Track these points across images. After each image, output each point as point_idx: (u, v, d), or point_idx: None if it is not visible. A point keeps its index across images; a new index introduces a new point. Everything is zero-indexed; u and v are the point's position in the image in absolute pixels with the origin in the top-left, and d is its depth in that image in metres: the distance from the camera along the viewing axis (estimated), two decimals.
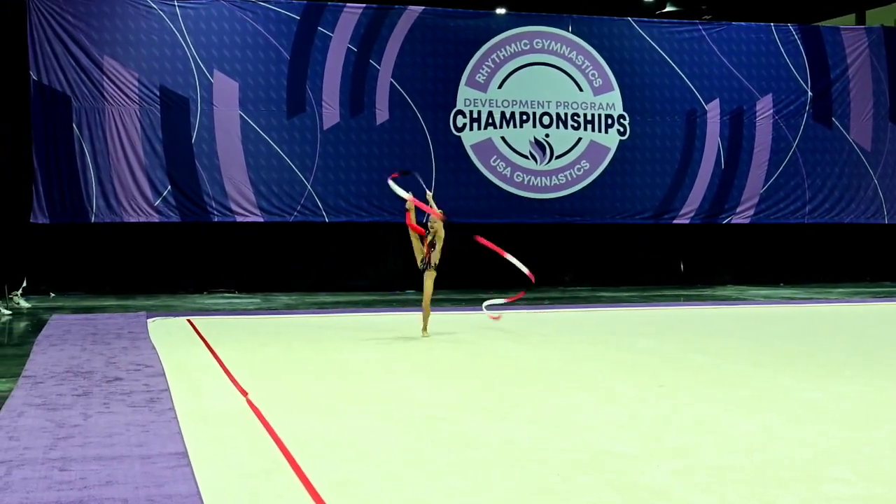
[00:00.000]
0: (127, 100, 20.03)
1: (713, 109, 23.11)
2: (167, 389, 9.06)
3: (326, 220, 21.13)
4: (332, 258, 21.49)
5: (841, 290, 22.26)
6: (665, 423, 7.88)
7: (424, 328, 13.81)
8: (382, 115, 21.43)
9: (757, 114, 23.29)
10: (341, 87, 21.15)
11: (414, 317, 16.57)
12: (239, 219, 20.62)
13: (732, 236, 23.60)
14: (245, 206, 20.61)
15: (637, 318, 16.41)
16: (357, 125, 21.30)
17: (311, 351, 12.25)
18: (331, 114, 21.10)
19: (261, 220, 20.74)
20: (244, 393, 8.98)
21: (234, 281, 20.87)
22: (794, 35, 23.53)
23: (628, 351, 12.45)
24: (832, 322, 16.15)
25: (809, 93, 23.58)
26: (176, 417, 7.80)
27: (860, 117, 23.84)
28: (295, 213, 20.91)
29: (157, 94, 20.19)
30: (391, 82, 21.44)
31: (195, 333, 13.79)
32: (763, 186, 23.37)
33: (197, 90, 20.41)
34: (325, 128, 21.07)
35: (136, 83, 20.08)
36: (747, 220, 23.35)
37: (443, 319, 16.13)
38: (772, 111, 23.36)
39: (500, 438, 7.28)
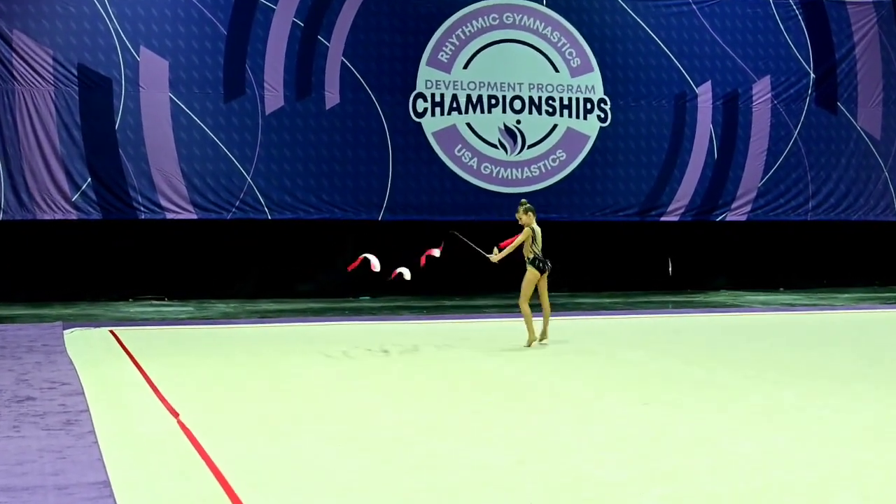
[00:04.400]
0: (40, 80, 19.86)
1: (705, 93, 23.21)
2: (87, 410, 8.97)
3: (269, 218, 21.05)
4: (275, 261, 21.40)
5: (848, 295, 22.39)
6: (653, 443, 7.87)
7: (544, 334, 13.98)
8: (332, 98, 21.37)
9: (753, 98, 23.41)
10: (286, 67, 21.07)
11: (369, 327, 16.54)
12: (169, 216, 20.50)
13: (727, 235, 23.71)
14: (176, 201, 20.49)
15: (621, 328, 16.44)
16: (304, 110, 21.23)
17: (253, 366, 12.17)
18: (274, 97, 21.02)
19: (194, 217, 20.63)
20: (175, 414, 8.91)
21: (163, 287, 20.74)
22: (794, 10, 23.68)
23: (612, 364, 12.44)
24: (838, 331, 16.23)
25: (812, 74, 23.73)
26: (97, 442, 7.72)
27: (868, 102, 24.01)
28: (233, 210, 20.81)
29: (75, 73, 20.04)
30: (342, 61, 21.38)
31: (119, 346, 13.67)
32: (761, 180, 23.50)
33: (121, 69, 20.27)
34: (267, 113, 20.99)
35: (51, 61, 19.92)
36: (743, 218, 23.47)
37: (404, 330, 16.09)
38: (770, 95, 23.50)
39: (471, 462, 7.25)
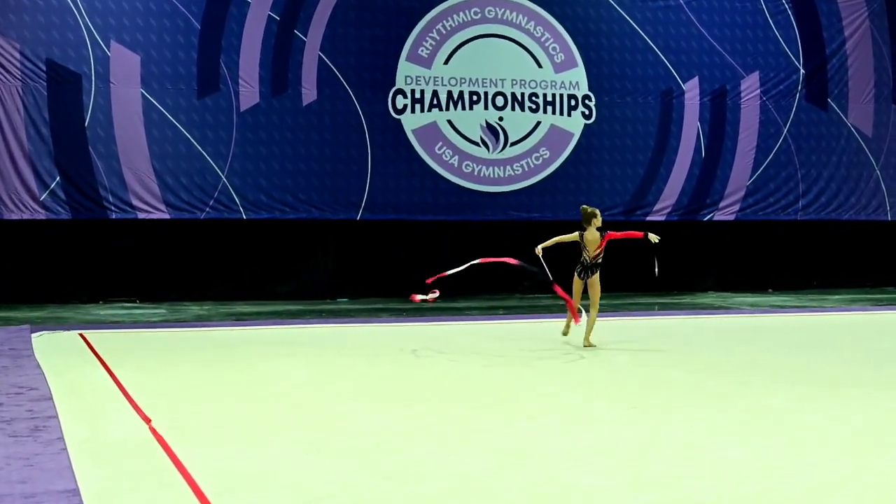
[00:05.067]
0: (7, 75, 19.77)
1: (692, 89, 23.25)
2: (55, 416, 8.93)
3: (244, 217, 21.00)
4: (251, 261, 21.35)
5: (839, 297, 22.46)
6: (641, 450, 7.87)
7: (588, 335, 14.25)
8: (309, 94, 21.33)
9: (742, 94, 23.46)
10: (261, 63, 21.02)
11: (348, 329, 16.52)
12: (141, 216, 20.43)
13: (715, 235, 23.75)
14: (148, 200, 20.43)
15: (607, 330, 16.42)
16: (280, 106, 21.18)
17: (227, 370, 12.14)
18: (249, 93, 20.97)
19: (167, 216, 20.56)
20: (147, 420, 8.87)
21: (135, 289, 20.67)
22: (784, 5, 23.73)
23: (598, 368, 12.45)
24: (829, 334, 16.27)
25: (802, 70, 23.79)
26: (66, 449, 7.68)
27: (860, 99, 24.09)
28: (207, 210, 20.75)
29: (43, 68, 19.95)
30: (320, 56, 21.34)
31: (89, 350, 13.61)
32: (750, 178, 23.54)
33: (91, 64, 20.18)
34: (242, 109, 20.93)
35: (18, 56, 19.83)
36: (732, 217, 23.51)
37: (383, 332, 16.07)
38: (759, 91, 23.54)
39: (453, 470, 7.23)
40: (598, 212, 14.27)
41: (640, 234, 14.32)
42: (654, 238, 14.21)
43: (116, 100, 20.27)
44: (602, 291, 14.47)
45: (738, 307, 20.34)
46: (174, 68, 20.61)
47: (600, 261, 14.23)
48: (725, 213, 23.46)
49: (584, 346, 14.07)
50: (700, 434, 8.49)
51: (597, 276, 14.26)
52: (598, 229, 14.16)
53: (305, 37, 21.23)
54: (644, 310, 19.80)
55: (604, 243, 14.14)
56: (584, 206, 14.59)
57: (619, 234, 14.38)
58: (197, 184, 20.69)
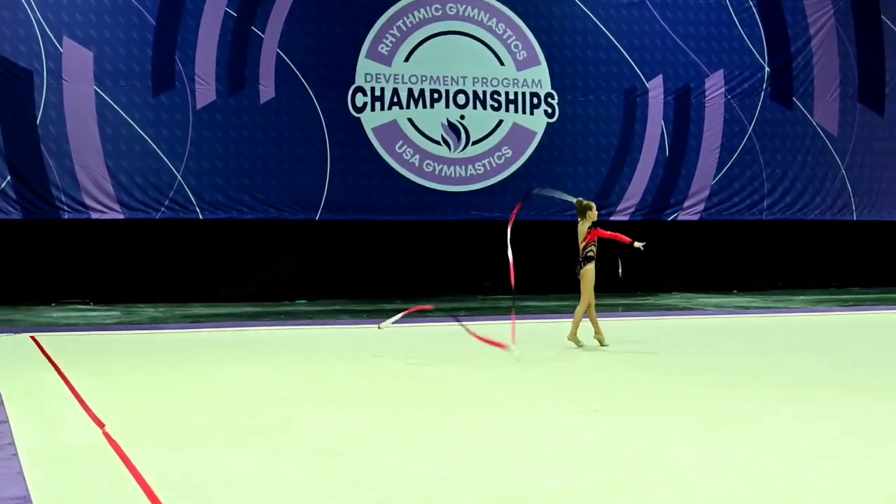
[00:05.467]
0: None
1: (656, 87, 23.33)
2: (6, 421, 8.86)
3: (200, 217, 20.91)
4: (207, 263, 21.27)
5: (804, 297, 22.59)
6: (607, 454, 7.86)
7: (598, 332, 14.41)
8: (267, 92, 21.27)
9: (706, 93, 23.56)
10: (218, 60, 20.95)
11: (307, 332, 16.48)
12: (95, 216, 20.32)
13: (679, 235, 23.84)
14: (102, 200, 20.32)
15: (568, 332, 16.44)
16: (237, 104, 21.12)
17: (184, 373, 12.08)
18: (205, 91, 20.88)
19: (121, 216, 20.46)
20: (101, 425, 8.81)
21: (88, 290, 20.54)
22: (748, 2, 23.87)
23: (562, 370, 12.45)
24: (795, 335, 16.35)
25: (767, 69, 23.92)
26: (17, 455, 7.61)
27: (825, 97, 24.24)
28: (162, 209, 20.65)
29: None
30: (278, 53, 21.28)
31: (41, 353, 13.51)
32: (714, 177, 23.65)
33: (42, 61, 20.06)
34: (198, 107, 20.85)
35: None
36: (696, 217, 23.60)
37: (343, 334, 16.03)
38: (723, 90, 23.65)
39: (415, 475, 7.20)
40: (592, 205, 14.38)
41: (627, 239, 14.37)
42: (639, 245, 14.30)
43: (69, 97, 20.14)
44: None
45: (702, 308, 20.41)
46: (128, 65, 20.50)
47: (591, 254, 14.23)
48: (690, 212, 23.55)
49: (567, 339, 14.27)
50: (666, 437, 8.48)
51: (587, 268, 14.29)
52: (593, 223, 14.22)
53: (263, 33, 21.16)
54: (608, 311, 19.81)
55: (589, 238, 14.16)
56: (580, 199, 14.62)
57: (607, 233, 14.47)
58: (152, 183, 20.59)
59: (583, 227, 14.27)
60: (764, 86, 23.87)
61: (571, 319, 14.58)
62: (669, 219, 23.47)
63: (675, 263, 23.98)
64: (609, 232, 14.51)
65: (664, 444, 8.21)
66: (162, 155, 20.65)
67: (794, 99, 24.04)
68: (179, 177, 20.73)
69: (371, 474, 7.25)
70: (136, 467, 7.31)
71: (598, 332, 14.40)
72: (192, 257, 21.19)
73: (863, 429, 8.83)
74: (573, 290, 22.57)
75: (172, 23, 20.69)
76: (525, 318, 18.67)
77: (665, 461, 7.63)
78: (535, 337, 15.86)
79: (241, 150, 21.19)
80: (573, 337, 14.33)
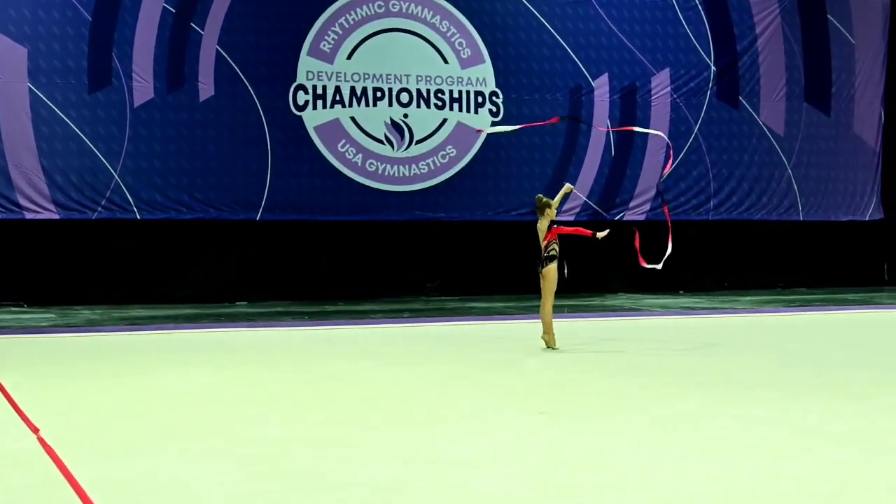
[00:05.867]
0: None
1: (601, 86, 23.41)
2: None
3: (138, 218, 20.76)
4: (145, 263, 21.13)
5: (750, 298, 22.75)
6: (552, 457, 7.88)
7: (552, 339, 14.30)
8: (207, 90, 21.15)
9: (652, 92, 23.67)
10: (156, 56, 20.81)
11: (248, 334, 16.42)
12: (29, 216, 20.13)
13: (625, 236, 23.87)
14: (36, 199, 20.13)
15: (515, 333, 16.49)
16: (175, 102, 20.98)
17: (121, 377, 11.99)
18: (143, 88, 20.74)
19: (56, 217, 20.28)
20: (35, 430, 8.73)
21: (22, 292, 20.36)
22: (694, 0, 23.97)
23: (507, 372, 12.47)
24: (742, 336, 16.46)
25: (713, 67, 24.06)
26: None
27: (771, 97, 24.43)
28: (99, 209, 20.50)
29: None
30: (217, 50, 21.17)
31: None
32: (660, 177, 23.74)
33: None
34: (136, 105, 20.71)
35: None
36: (642, 217, 23.69)
37: (285, 337, 15.99)
38: (669, 89, 23.78)
39: (358, 480, 7.19)
40: (551, 203, 14.29)
41: (588, 232, 14.40)
42: (602, 235, 14.35)
43: (2, 94, 19.95)
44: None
45: (648, 309, 20.51)
46: (63, 62, 20.33)
47: (553, 253, 14.22)
48: (635, 212, 23.65)
49: (541, 337, 14.35)
50: (611, 439, 8.51)
51: (550, 268, 14.24)
52: (551, 222, 14.23)
53: (202, 30, 21.05)
54: (553, 312, 19.84)
55: (550, 236, 14.18)
56: (540, 195, 14.64)
57: (568, 229, 14.52)
58: (88, 182, 20.42)
59: (542, 224, 14.26)
60: (710, 85, 24.01)
61: (540, 321, 14.53)
62: (615, 219, 23.54)
63: (620, 264, 24.00)
64: (569, 227, 14.51)
65: (608, 447, 8.24)
66: (98, 154, 20.48)
67: (740, 98, 24.21)
68: (116, 176, 20.57)
69: (311, 478, 7.24)
70: (72, 472, 7.25)
71: (548, 333, 14.41)
72: (130, 258, 21.03)
73: (810, 429, 8.90)
74: (524, 290, 22.73)
75: (109, 19, 20.53)
76: (471, 318, 18.69)
77: (609, 464, 7.66)
78: (483, 337, 15.89)
79: (180, 148, 21.06)
80: (546, 337, 14.27)
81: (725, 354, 14.19)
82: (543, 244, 14.28)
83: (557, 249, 14.26)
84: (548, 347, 14.20)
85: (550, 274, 14.27)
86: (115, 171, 20.54)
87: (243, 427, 9.09)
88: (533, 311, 19.60)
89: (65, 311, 19.55)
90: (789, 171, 24.60)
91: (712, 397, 10.52)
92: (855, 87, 24.97)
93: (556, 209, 14.40)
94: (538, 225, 14.33)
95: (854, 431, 8.81)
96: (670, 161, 16.38)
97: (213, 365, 12.95)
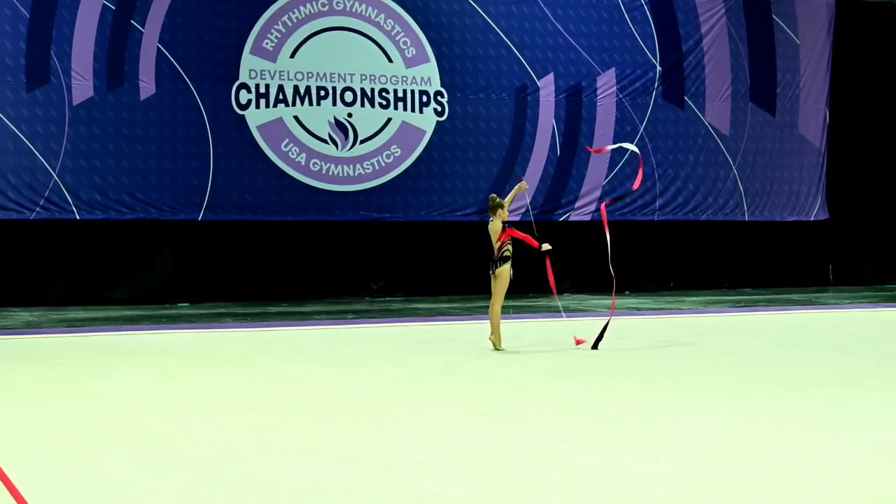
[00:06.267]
0: None
1: (547, 86, 23.46)
2: None
3: (77, 218, 20.59)
4: (85, 264, 20.96)
5: (696, 298, 22.88)
6: (498, 459, 7.88)
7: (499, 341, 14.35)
8: (147, 88, 21.01)
9: (598, 91, 23.76)
10: (96, 54, 20.65)
11: (189, 336, 16.34)
12: None
13: (570, 236, 23.96)
14: None
15: (460, 334, 16.50)
16: (116, 101, 20.83)
17: (59, 379, 11.89)
18: (83, 86, 20.58)
19: None
20: None
21: None
22: (640, 0, 24.08)
23: (451, 373, 12.47)
24: (687, 336, 16.53)
25: (659, 67, 24.18)
26: None
27: (717, 97, 24.58)
28: (37, 209, 20.31)
29: None
30: (158, 48, 21.03)
31: None
32: (606, 177, 23.84)
33: None
34: (75, 103, 20.54)
35: None
36: (588, 218, 23.77)
37: (227, 338, 15.92)
38: (615, 89, 23.87)
39: (303, 482, 7.17)
40: (504, 203, 14.32)
41: (536, 244, 14.44)
42: (546, 247, 14.41)
43: None
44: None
45: (594, 310, 20.56)
46: (0, 59, 20.12)
47: (507, 254, 14.27)
48: (581, 213, 23.72)
49: (489, 340, 14.37)
50: (558, 441, 8.53)
51: (503, 268, 14.28)
52: (504, 223, 14.24)
53: (143, 27, 20.91)
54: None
55: (503, 237, 14.22)
56: (493, 195, 14.67)
57: (519, 234, 14.51)
58: (26, 182, 20.23)
59: (495, 225, 14.27)
60: (656, 85, 24.13)
61: (488, 321, 14.56)
62: (561, 219, 23.61)
63: (566, 264, 24.07)
64: (521, 233, 14.51)
65: (556, 449, 8.25)
66: (36, 153, 20.29)
67: (685, 98, 24.34)
68: (55, 176, 20.39)
69: (253, 481, 7.21)
70: (8, 477, 7.19)
71: (495, 334, 14.42)
72: (69, 259, 20.86)
73: (756, 430, 8.95)
74: (470, 291, 22.76)
75: (47, 15, 20.34)
76: (415, 319, 18.69)
77: (556, 466, 7.67)
78: (427, 339, 15.89)
79: (121, 148, 20.90)
80: (493, 337, 14.29)
81: (671, 355, 14.26)
82: (497, 245, 14.30)
83: (511, 250, 14.30)
84: (494, 349, 14.22)
85: (503, 275, 14.32)
86: (54, 171, 20.37)
87: (183, 430, 9.04)
88: (479, 312, 19.65)
89: (2, 312, 19.37)
90: (735, 171, 24.76)
91: (658, 398, 10.57)
92: (800, 87, 25.17)
93: (507, 209, 14.43)
94: (490, 226, 14.35)
95: (801, 431, 8.87)
96: (640, 171, 16.42)
97: (154, 367, 12.86)
